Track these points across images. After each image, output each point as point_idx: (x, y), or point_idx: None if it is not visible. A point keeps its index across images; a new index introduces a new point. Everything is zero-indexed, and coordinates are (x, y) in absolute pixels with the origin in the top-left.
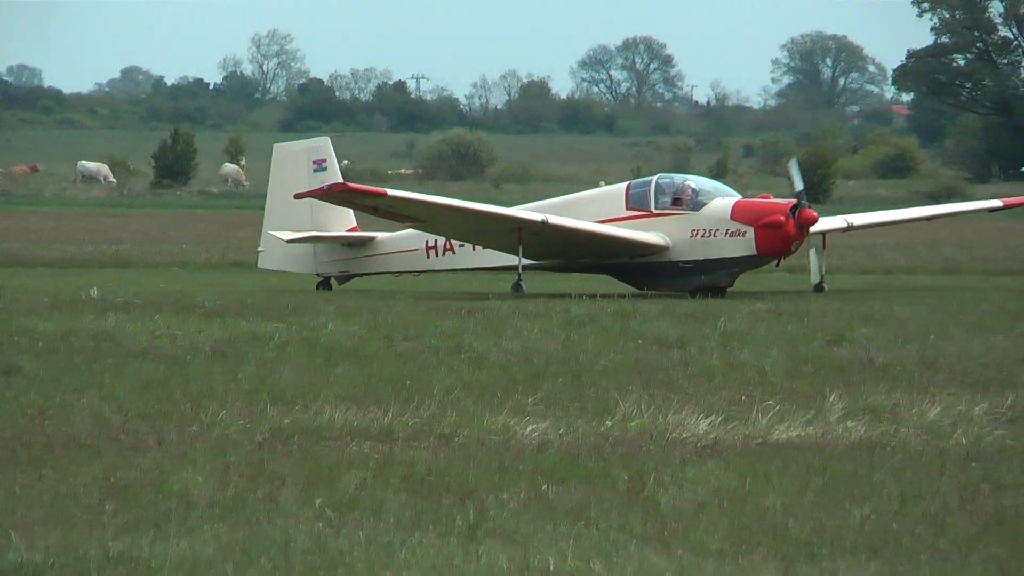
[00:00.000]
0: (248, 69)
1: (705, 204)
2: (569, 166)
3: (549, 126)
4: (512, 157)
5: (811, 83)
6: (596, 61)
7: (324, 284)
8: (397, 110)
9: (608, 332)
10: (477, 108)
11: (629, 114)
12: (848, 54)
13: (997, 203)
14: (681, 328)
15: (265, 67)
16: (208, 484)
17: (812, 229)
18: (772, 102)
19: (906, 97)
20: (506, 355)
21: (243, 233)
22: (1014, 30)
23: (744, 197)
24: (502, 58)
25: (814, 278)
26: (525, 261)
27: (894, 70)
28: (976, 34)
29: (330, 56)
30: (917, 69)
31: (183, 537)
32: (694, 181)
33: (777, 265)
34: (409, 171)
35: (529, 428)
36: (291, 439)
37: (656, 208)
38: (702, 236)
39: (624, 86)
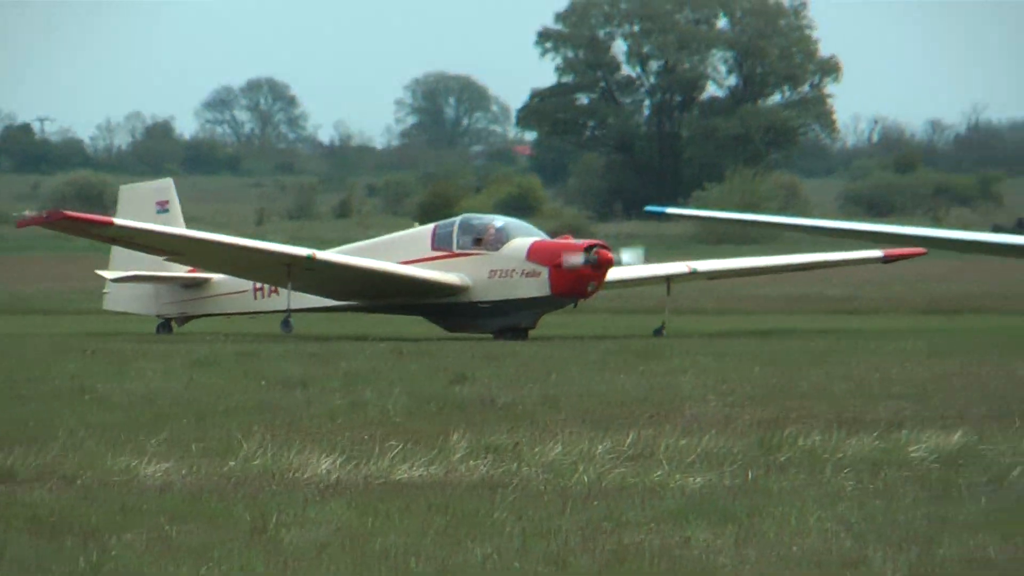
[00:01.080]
0: None
1: (505, 244)
2: (193, 206)
3: (173, 167)
4: None
5: (435, 123)
6: (220, 102)
7: (165, 326)
8: (21, 152)
9: (232, 373)
10: (102, 149)
11: (253, 155)
12: (472, 94)
13: (878, 253)
14: (305, 368)
15: None
16: None
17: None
18: (396, 142)
19: (529, 136)
20: (129, 396)
21: None
22: (638, 69)
23: (547, 238)
24: (126, 100)
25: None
26: (330, 302)
27: (518, 110)
28: (599, 73)
29: None
30: (540, 108)
31: None
32: (500, 221)
33: (575, 307)
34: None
35: (152, 468)
36: None
37: (458, 248)
38: (500, 276)
39: (248, 127)
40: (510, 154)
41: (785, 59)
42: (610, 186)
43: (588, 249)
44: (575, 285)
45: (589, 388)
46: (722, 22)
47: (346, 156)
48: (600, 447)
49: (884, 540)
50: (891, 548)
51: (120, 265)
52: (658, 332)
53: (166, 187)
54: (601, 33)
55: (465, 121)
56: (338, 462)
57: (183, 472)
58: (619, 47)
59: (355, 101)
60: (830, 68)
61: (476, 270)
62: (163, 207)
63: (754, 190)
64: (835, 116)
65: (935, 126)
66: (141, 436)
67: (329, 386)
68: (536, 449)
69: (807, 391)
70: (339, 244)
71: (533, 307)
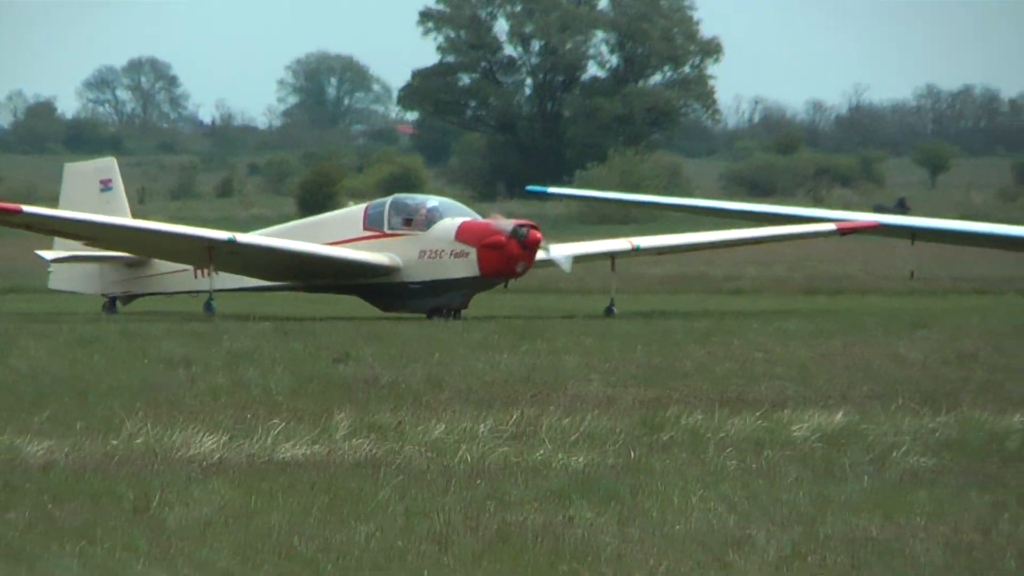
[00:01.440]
0: None
1: (434, 225)
2: None
3: (55, 147)
4: (18, 177)
5: (316, 103)
6: (102, 82)
7: (110, 305)
8: None
9: (115, 351)
10: None
11: (135, 134)
12: (353, 74)
13: (831, 227)
14: (188, 347)
15: None
16: None
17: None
18: (277, 122)
19: (411, 116)
20: (13, 374)
21: None
22: (519, 49)
23: (479, 218)
24: (8, 79)
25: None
26: (261, 283)
27: (399, 90)
28: (481, 53)
29: None
30: (422, 88)
31: None
32: (434, 201)
33: (505, 287)
34: None
35: (35, 447)
36: None
37: (389, 229)
38: (429, 257)
39: (130, 106)
40: (392, 133)
41: (666, 40)
42: (492, 166)
43: (516, 229)
44: (503, 265)
45: (472, 368)
46: (604, 3)
47: (227, 135)
48: (483, 426)
49: (767, 519)
50: (774, 527)
51: (63, 245)
52: (609, 311)
53: (108, 166)
54: (483, 13)
55: (347, 101)
56: (221, 441)
57: (66, 450)
58: (501, 27)
59: (237, 81)
60: (711, 49)
61: (406, 250)
62: (106, 185)
63: (636, 170)
64: (716, 97)
65: (816, 107)
66: (24, 414)
67: (212, 365)
68: (419, 428)
69: (690, 371)
70: (220, 223)
71: (462, 287)
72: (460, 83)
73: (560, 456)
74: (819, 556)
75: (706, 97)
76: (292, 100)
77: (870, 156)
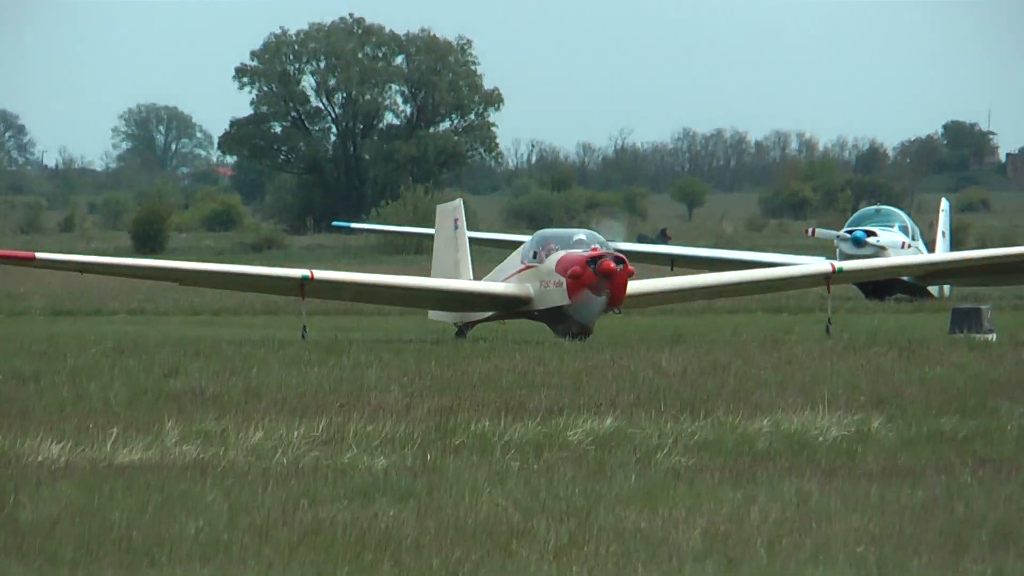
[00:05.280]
0: None
1: (549, 257)
2: None
3: None
4: None
5: (147, 148)
6: None
7: (461, 332)
8: None
9: None
10: None
11: None
12: (179, 122)
13: None
14: (35, 364)
15: None
16: None
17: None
18: (113, 165)
19: (230, 159)
20: None
21: None
22: (324, 101)
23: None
24: None
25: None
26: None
27: (219, 136)
28: (290, 105)
29: None
30: (239, 135)
31: None
32: (578, 234)
33: (618, 312)
34: None
35: None
36: None
37: (529, 262)
38: (544, 287)
39: None
40: (213, 175)
41: (454, 91)
42: (302, 203)
43: (592, 261)
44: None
45: (286, 380)
46: (399, 59)
47: (69, 177)
48: (296, 433)
49: (547, 513)
50: (553, 520)
51: (437, 276)
52: (828, 330)
53: (458, 206)
54: (291, 69)
55: (173, 146)
56: (67, 447)
57: None
58: (308, 81)
59: (76, 128)
60: (493, 99)
61: (534, 281)
62: (456, 224)
63: (427, 206)
64: (498, 141)
65: (586, 149)
66: None
67: (57, 380)
68: (241, 435)
69: (477, 382)
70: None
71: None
72: (273, 130)
73: (364, 458)
74: (593, 545)
75: (489, 141)
76: (125, 146)
77: (634, 192)
